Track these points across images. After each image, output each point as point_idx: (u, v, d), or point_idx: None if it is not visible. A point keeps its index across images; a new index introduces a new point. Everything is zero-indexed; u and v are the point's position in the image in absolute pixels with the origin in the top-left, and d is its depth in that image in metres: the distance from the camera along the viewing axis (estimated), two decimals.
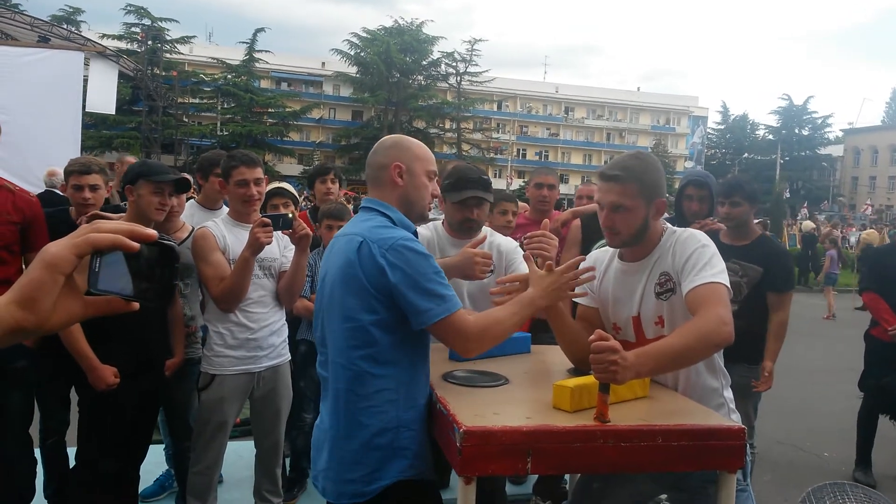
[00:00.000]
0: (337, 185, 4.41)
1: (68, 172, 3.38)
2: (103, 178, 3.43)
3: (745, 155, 62.36)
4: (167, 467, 3.86)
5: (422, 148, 2.11)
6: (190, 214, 3.73)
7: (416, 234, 2.03)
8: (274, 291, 3.20)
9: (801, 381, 7.28)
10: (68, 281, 0.87)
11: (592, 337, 1.72)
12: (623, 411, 1.80)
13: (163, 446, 3.89)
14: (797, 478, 4.67)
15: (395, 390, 1.90)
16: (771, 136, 60.90)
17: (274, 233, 3.01)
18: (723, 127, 64.40)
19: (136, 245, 0.87)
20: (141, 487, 3.66)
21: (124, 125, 38.80)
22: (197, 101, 44.80)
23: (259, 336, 3.13)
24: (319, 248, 3.97)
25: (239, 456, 4.20)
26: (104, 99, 18.13)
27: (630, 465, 1.73)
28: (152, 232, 0.88)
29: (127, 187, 2.93)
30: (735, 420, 2.19)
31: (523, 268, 2.68)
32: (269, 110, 45.71)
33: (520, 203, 4.38)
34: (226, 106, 45.23)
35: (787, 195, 43.81)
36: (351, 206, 5.44)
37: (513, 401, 1.90)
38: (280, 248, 3.26)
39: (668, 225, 2.22)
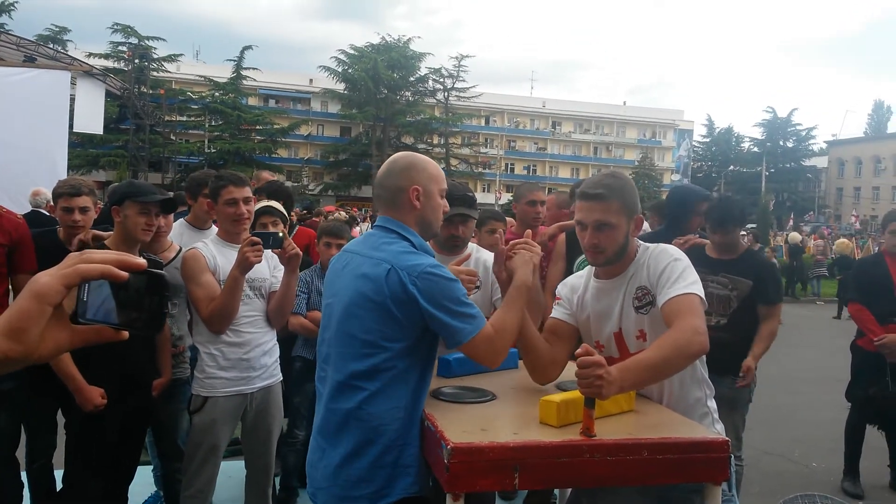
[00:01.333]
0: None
1: (58, 195, 3.39)
2: (92, 200, 3.44)
3: (731, 167, 62.96)
4: (155, 488, 3.84)
5: (435, 167, 2.13)
6: (179, 234, 3.75)
7: (432, 255, 2.06)
8: (264, 311, 3.20)
9: (788, 390, 7.35)
10: (56, 310, 0.88)
11: (579, 351, 1.74)
12: (609, 425, 1.82)
13: (150, 467, 3.87)
14: (785, 489, 4.68)
15: (403, 408, 1.92)
16: (756, 149, 61.54)
17: (264, 252, 3.03)
18: (708, 140, 65.05)
19: (125, 275, 0.88)
20: None
21: (111, 144, 38.71)
22: (184, 118, 44.76)
23: (251, 356, 3.13)
24: (316, 267, 3.99)
25: (228, 476, 4.17)
26: (91, 118, 18.07)
27: (617, 478, 1.75)
28: (141, 261, 0.90)
29: (113, 208, 2.94)
30: (719, 430, 2.23)
31: None
32: (257, 127, 45.76)
33: (507, 219, 4.42)
34: (213, 123, 45.22)
35: (773, 207, 44.19)
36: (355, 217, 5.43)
37: (500, 416, 1.93)
38: (270, 268, 3.26)
39: (641, 242, 2.26)
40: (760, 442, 5.61)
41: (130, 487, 3.20)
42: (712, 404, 2.25)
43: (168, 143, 40.74)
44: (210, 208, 3.29)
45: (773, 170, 58.64)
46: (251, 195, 3.23)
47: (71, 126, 15.70)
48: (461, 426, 1.79)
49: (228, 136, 43.91)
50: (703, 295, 2.05)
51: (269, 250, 3.09)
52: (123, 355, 2.91)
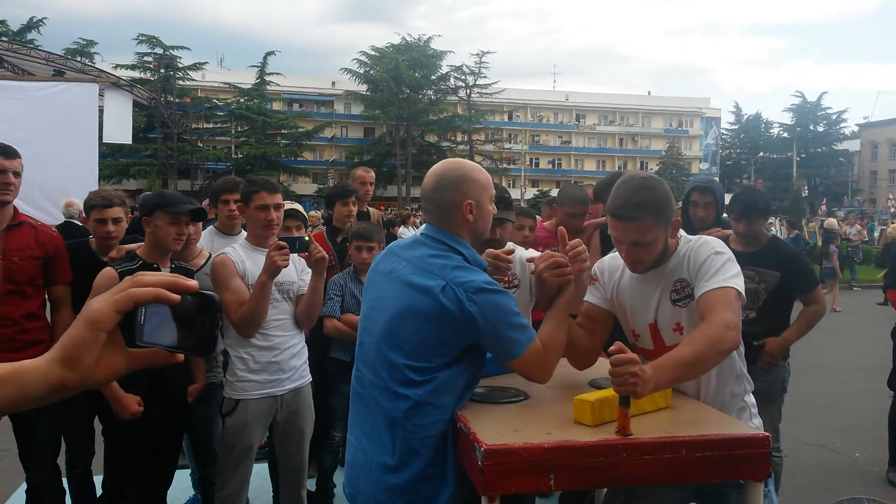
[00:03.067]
0: (356, 208, 4.43)
1: (90, 206, 3.43)
2: (124, 210, 3.48)
3: (761, 154, 61.96)
4: (194, 492, 3.88)
5: (484, 175, 2.06)
6: (210, 241, 3.78)
7: (484, 268, 2.04)
8: (293, 314, 3.22)
9: (829, 379, 7.19)
10: (111, 335, 0.88)
11: (612, 349, 1.71)
12: (645, 423, 1.79)
13: (189, 471, 3.92)
14: (828, 481, 4.60)
15: (448, 420, 1.91)
16: (786, 134, 60.49)
17: (291, 256, 3.04)
18: (736, 127, 64.09)
19: (177, 297, 0.88)
20: None
21: (140, 153, 39.34)
22: (211, 125, 45.36)
23: (281, 359, 3.15)
24: (350, 270, 3.99)
25: (263, 479, 4.20)
26: (120, 129, 18.37)
27: (654, 477, 1.71)
28: (193, 283, 0.90)
29: (144, 219, 2.96)
30: (756, 425, 2.18)
31: None
32: (282, 131, 46.21)
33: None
34: (239, 129, 45.77)
35: (806, 192, 43.39)
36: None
37: (533, 416, 1.90)
38: (297, 272, 3.28)
39: (683, 233, 2.21)
40: (801, 432, 5.50)
41: (170, 492, 3.25)
42: (750, 399, 2.20)
43: (196, 150, 41.29)
44: (241, 212, 3.30)
45: (803, 155, 57.56)
46: (282, 202, 3.25)
47: (100, 137, 16.01)
48: (494, 427, 1.77)
49: (254, 141, 44.40)
50: (742, 289, 2.00)
51: (296, 254, 3.10)
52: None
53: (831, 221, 20.12)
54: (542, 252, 3.99)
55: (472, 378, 1.99)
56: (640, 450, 1.68)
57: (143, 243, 3.06)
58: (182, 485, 3.82)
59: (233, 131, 45.69)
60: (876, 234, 23.25)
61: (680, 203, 4.25)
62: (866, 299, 14.23)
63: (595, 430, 1.76)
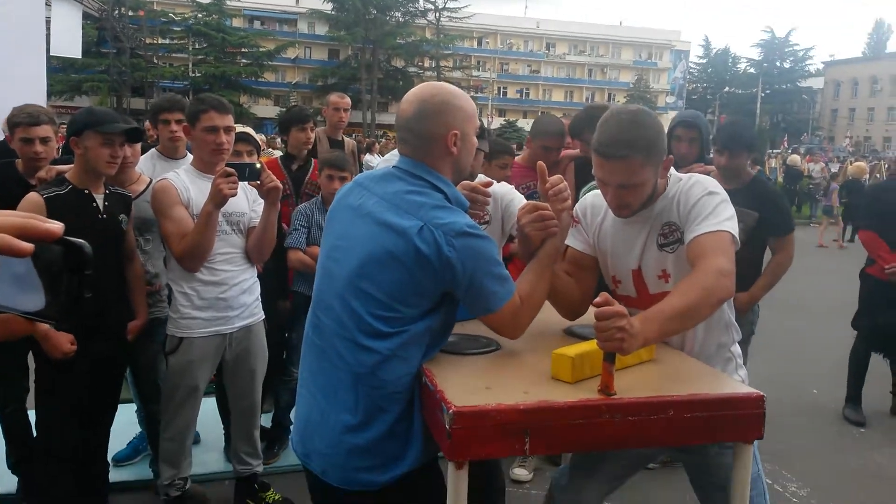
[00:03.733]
0: (314, 134, 4.12)
1: (14, 124, 3.04)
2: (54, 129, 3.12)
3: (727, 89, 61.93)
4: (141, 429, 3.68)
5: (469, 102, 1.82)
6: (150, 165, 3.46)
7: (466, 208, 1.81)
8: (243, 248, 2.97)
9: (788, 316, 7.20)
10: None
11: (598, 300, 1.52)
12: (629, 380, 1.61)
13: (135, 407, 3.71)
14: (783, 416, 4.61)
15: (415, 373, 1.71)
16: (752, 70, 60.44)
17: (241, 184, 2.77)
18: (705, 61, 63.75)
19: (27, 247, 0.66)
20: (114, 450, 3.52)
21: (93, 68, 37.52)
22: (167, 41, 43.34)
23: (229, 295, 2.92)
24: (317, 200, 3.73)
25: (217, 413, 4.02)
26: (69, 42, 17.25)
27: (638, 440, 1.56)
28: (54, 226, 0.68)
29: (72, 139, 2.65)
30: (742, 376, 2.05)
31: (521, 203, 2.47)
32: (243, 50, 44.38)
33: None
34: (197, 46, 43.85)
35: (767, 128, 43.66)
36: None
37: (506, 371, 1.71)
38: (249, 202, 3.02)
39: (673, 171, 2.00)
40: (761, 368, 5.47)
41: (117, 427, 3.06)
42: (737, 349, 2.06)
43: (151, 67, 39.49)
44: (186, 133, 2.99)
45: (768, 91, 57.74)
46: (233, 125, 2.95)
47: (48, 50, 15.01)
48: (463, 384, 1.58)
49: (213, 60, 42.60)
50: (736, 233, 1.82)
51: (246, 182, 2.83)
52: (94, 297, 2.68)
53: (794, 158, 20.30)
54: (519, 186, 3.76)
55: (445, 329, 1.78)
56: (624, 410, 1.51)
57: (73, 166, 2.74)
58: (130, 419, 3.62)
59: (190, 48, 43.70)
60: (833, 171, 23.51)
61: None
62: (826, 236, 14.45)
63: (575, 388, 1.58)
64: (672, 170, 1.99)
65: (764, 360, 5.56)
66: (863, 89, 61.45)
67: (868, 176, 16.07)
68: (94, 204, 2.68)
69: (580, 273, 2.12)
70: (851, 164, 16.19)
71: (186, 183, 2.86)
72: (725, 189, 3.40)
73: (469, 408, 1.45)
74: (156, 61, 40.55)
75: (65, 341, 2.59)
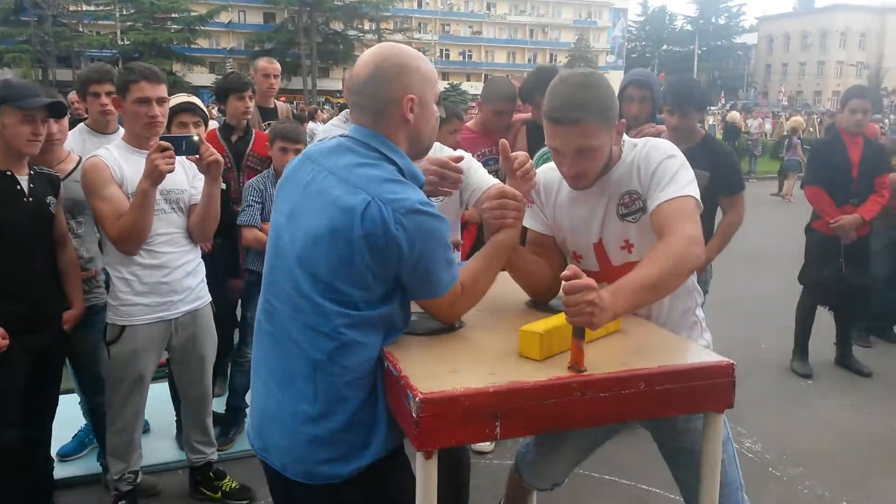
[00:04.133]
0: (253, 102, 3.91)
1: None
2: None
3: (664, 47, 62.69)
4: (86, 421, 3.51)
5: (428, 65, 1.68)
6: (80, 141, 3.24)
7: (422, 183, 1.69)
8: (184, 227, 2.81)
9: (732, 269, 7.34)
10: None
11: (566, 273, 1.45)
12: (597, 354, 1.56)
13: (79, 398, 3.53)
14: (738, 372, 4.68)
15: (377, 357, 1.60)
16: (689, 27, 61.30)
17: (178, 159, 2.60)
18: (643, 19, 64.31)
19: None
20: (58, 444, 3.36)
21: (13, 38, 35.53)
22: (92, 8, 41.24)
23: (172, 279, 2.76)
24: (269, 173, 3.56)
25: (166, 400, 3.88)
26: None
27: (610, 416, 1.51)
28: None
29: None
30: (707, 340, 2.04)
31: (478, 176, 2.38)
32: (173, 15, 42.54)
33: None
34: (125, 13, 41.88)
35: (705, 85, 44.40)
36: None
37: (471, 351, 1.64)
38: (188, 178, 2.85)
39: (626, 137, 1.94)
40: (707, 323, 5.60)
41: (61, 419, 2.90)
42: (700, 313, 2.04)
43: (76, 35, 37.59)
44: (117, 105, 2.78)
45: (704, 48, 58.66)
46: (166, 95, 2.76)
47: None
48: (427, 368, 1.50)
49: (142, 27, 40.79)
50: (698, 197, 1.78)
51: (184, 156, 2.66)
52: (23, 287, 2.51)
53: (734, 115, 20.69)
54: (475, 153, 3.65)
55: (405, 311, 1.68)
56: (596, 387, 1.46)
57: None
58: (75, 411, 3.45)
59: (117, 15, 41.69)
60: (767, 127, 24.09)
61: None
62: (762, 190, 14.83)
63: (544, 366, 1.52)
64: (625, 136, 1.93)
65: (709, 315, 5.67)
66: (794, 44, 63.02)
67: (803, 131, 16.53)
68: (18, 187, 2.49)
69: (547, 253, 2.05)
70: (787, 119, 16.61)
71: (119, 160, 2.67)
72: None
73: (436, 394, 1.37)
74: (81, 29, 38.61)
75: None
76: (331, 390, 1.57)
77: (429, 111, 1.68)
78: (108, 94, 3.11)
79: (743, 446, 3.66)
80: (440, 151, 2.61)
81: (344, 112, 3.74)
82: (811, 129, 21.19)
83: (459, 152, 2.63)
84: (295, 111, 15.30)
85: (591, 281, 1.45)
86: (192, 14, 43.02)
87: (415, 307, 1.76)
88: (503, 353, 1.60)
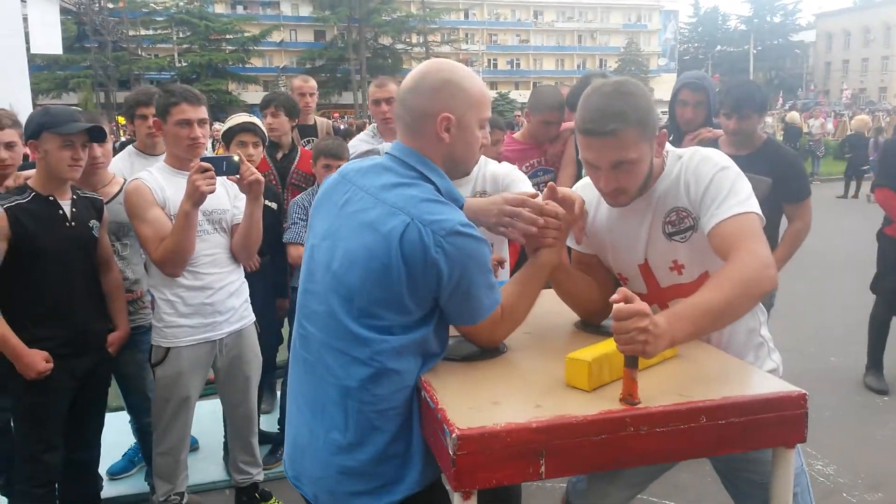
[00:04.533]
0: (282, 116, 3.86)
1: None
2: (19, 133, 2.92)
3: (718, 48, 61.36)
4: (135, 439, 3.52)
5: (477, 88, 1.59)
6: (129, 163, 3.27)
7: (462, 205, 1.61)
8: (227, 248, 2.79)
9: (796, 277, 7.02)
10: None
11: (615, 297, 1.34)
12: (652, 384, 1.44)
13: (129, 417, 3.55)
14: (807, 388, 4.41)
15: (413, 386, 1.53)
16: (743, 27, 59.85)
17: (219, 179, 2.58)
18: (694, 20, 63.09)
19: None
20: (108, 462, 3.38)
21: (78, 64, 37.03)
22: (150, 32, 42.72)
23: (215, 300, 2.73)
24: (314, 189, 3.53)
25: (216, 417, 3.86)
26: (49, 38, 16.91)
27: (667, 453, 1.38)
28: None
29: (30, 142, 2.45)
30: (776, 361, 1.87)
31: (522, 189, 2.27)
32: (227, 37, 43.80)
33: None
34: (181, 35, 43.29)
35: (762, 86, 43.22)
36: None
37: (515, 379, 1.53)
38: (230, 198, 2.83)
39: (670, 148, 1.80)
40: (773, 335, 5.32)
41: (111, 437, 2.90)
42: (766, 333, 1.88)
43: (135, 59, 38.94)
44: (157, 128, 2.78)
45: (760, 48, 57.16)
46: (206, 117, 2.75)
47: (29, 49, 14.66)
48: (467, 399, 1.40)
49: (198, 48, 42.09)
50: (760, 212, 1.63)
51: (226, 177, 2.64)
52: (67, 311, 2.51)
53: (793, 116, 20.00)
54: (522, 167, 3.53)
55: (442, 337, 1.60)
56: (651, 421, 1.34)
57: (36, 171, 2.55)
58: (125, 429, 3.46)
59: (174, 38, 43.13)
60: (829, 127, 23.21)
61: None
62: (827, 192, 14.24)
63: (593, 397, 1.40)
64: (668, 145, 1.79)
65: (776, 328, 5.40)
66: (855, 40, 60.79)
67: (868, 130, 15.85)
68: (61, 211, 2.49)
69: (594, 271, 1.93)
70: (850, 118, 15.96)
71: (161, 182, 2.66)
72: (737, 156, 3.22)
73: (475, 430, 1.27)
74: (140, 53, 39.98)
75: (39, 360, 2.41)
76: (362, 419, 1.50)
77: (469, 134, 1.58)
78: (155, 116, 3.12)
79: (813, 469, 3.44)
80: (485, 164, 2.52)
81: (371, 127, 3.70)
82: (880, 127, 20.31)
83: (504, 164, 2.54)
84: (344, 125, 15.42)
85: (644, 306, 1.33)
86: (246, 35, 44.17)
87: (453, 331, 1.67)
88: (550, 382, 1.49)
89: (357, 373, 1.49)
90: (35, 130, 2.41)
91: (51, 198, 2.47)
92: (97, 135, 2.49)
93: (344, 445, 1.52)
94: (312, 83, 4.59)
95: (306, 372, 1.62)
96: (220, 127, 4.59)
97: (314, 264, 1.62)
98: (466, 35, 57.28)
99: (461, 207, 1.58)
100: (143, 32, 41.71)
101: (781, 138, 18.99)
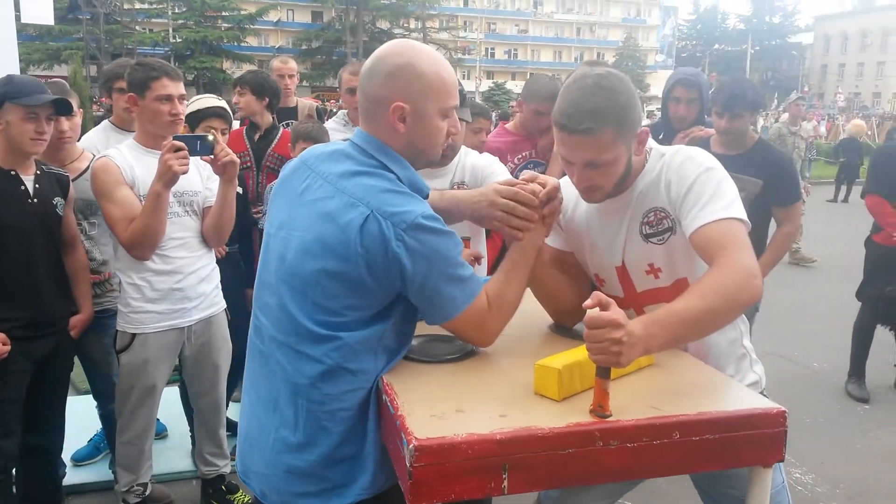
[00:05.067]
0: (248, 94, 3.68)
1: None
2: None
3: (716, 46, 61.29)
4: (101, 425, 3.43)
5: (438, 75, 1.47)
6: (104, 138, 3.16)
7: (426, 196, 1.52)
8: (198, 231, 2.69)
9: (782, 281, 7.00)
10: None
11: (589, 302, 1.26)
12: (625, 395, 1.36)
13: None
14: (786, 393, 4.40)
15: (369, 388, 1.45)
16: (742, 26, 59.76)
17: (192, 160, 2.47)
18: (694, 17, 62.97)
19: None
20: (73, 448, 3.29)
21: (71, 36, 36.48)
22: (145, 6, 42.12)
23: (185, 285, 2.64)
24: None
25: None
26: (40, 8, 16.65)
27: (639, 470, 1.31)
28: None
29: None
30: (758, 373, 1.80)
31: (504, 177, 2.19)
32: (223, 14, 43.23)
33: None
34: (176, 11, 42.71)
35: (757, 86, 43.23)
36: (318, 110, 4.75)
37: (481, 385, 1.45)
38: (202, 179, 2.73)
39: (653, 144, 1.71)
40: (756, 339, 5.29)
41: (77, 422, 2.81)
42: (748, 343, 1.81)
43: (128, 33, 38.42)
44: (133, 104, 2.66)
45: (757, 48, 57.11)
46: (185, 93, 2.65)
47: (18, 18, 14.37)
48: (429, 404, 1.33)
49: (193, 24, 41.51)
50: (745, 217, 1.54)
51: (198, 157, 2.54)
52: (27, 292, 2.41)
53: (787, 117, 19.93)
54: (513, 160, 3.43)
55: (403, 335, 1.52)
56: (622, 436, 1.26)
57: None
58: (92, 413, 3.36)
59: (170, 13, 42.56)
60: (822, 131, 23.20)
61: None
62: (817, 196, 14.22)
63: (562, 408, 1.33)
64: (652, 142, 1.70)
65: (760, 332, 5.37)
66: (853, 44, 60.88)
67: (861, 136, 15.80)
68: (23, 187, 2.38)
69: (571, 269, 1.85)
70: (844, 122, 15.92)
71: (130, 160, 2.56)
72: (727, 155, 3.17)
73: (434, 441, 1.19)
74: (137, 28, 39.47)
75: None
76: (312, 418, 1.43)
77: (427, 124, 1.48)
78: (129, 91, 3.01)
79: (791, 477, 3.39)
80: (465, 155, 2.44)
81: (342, 112, 3.58)
82: (869, 132, 20.35)
83: (485, 155, 2.46)
84: (336, 108, 15.19)
85: (619, 315, 1.25)
86: (242, 12, 43.63)
87: (420, 330, 1.60)
88: (518, 389, 1.41)
89: (307, 370, 1.42)
90: None
91: (12, 172, 2.36)
92: (63, 107, 2.39)
93: (293, 444, 1.45)
94: (292, 64, 4.47)
95: (261, 364, 1.55)
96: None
97: (269, 254, 1.55)
98: (465, 22, 56.94)
99: (426, 198, 1.50)
100: (137, 6, 41.12)
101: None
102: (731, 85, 3.24)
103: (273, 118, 3.78)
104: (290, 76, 4.37)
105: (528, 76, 4.30)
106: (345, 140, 1.56)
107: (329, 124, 3.02)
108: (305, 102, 4.63)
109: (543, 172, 3.43)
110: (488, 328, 1.54)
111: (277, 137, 3.71)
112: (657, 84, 44.56)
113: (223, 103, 3.29)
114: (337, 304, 1.39)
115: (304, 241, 1.43)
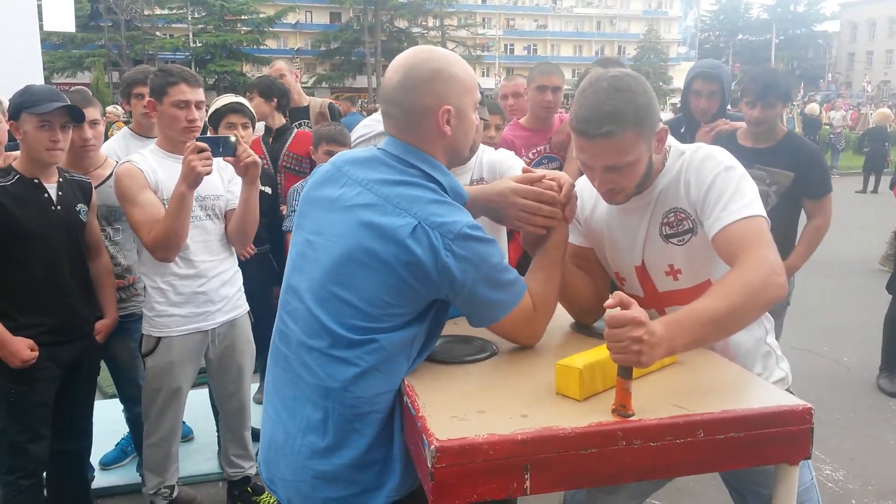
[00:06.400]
0: (256, 98, 3.73)
1: None
2: (2, 111, 2.85)
3: (739, 36, 60.46)
4: (129, 428, 3.47)
5: (467, 71, 1.52)
6: (124, 145, 3.20)
7: (465, 201, 1.54)
8: (221, 234, 2.71)
9: (811, 273, 6.86)
10: None
11: (610, 301, 1.25)
12: (647, 393, 1.35)
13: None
14: (816, 389, 4.34)
15: (396, 390, 1.46)
16: (765, 15, 58.85)
17: (214, 161, 2.49)
18: (716, 7, 62.11)
19: None
20: (101, 452, 3.33)
21: (94, 43, 37.02)
22: (165, 12, 42.59)
23: (208, 288, 2.67)
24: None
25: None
26: (61, 16, 16.89)
27: (662, 469, 1.30)
28: None
29: (11, 123, 2.37)
30: (784, 369, 1.77)
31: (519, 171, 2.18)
32: (242, 17, 43.53)
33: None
34: (196, 16, 43.11)
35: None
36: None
37: (503, 386, 1.45)
38: (224, 182, 2.75)
39: (672, 142, 1.69)
40: (787, 335, 5.21)
41: (105, 426, 2.81)
42: (773, 341, 1.78)
43: (149, 38, 38.88)
44: (151, 109, 2.69)
45: (782, 37, 56.24)
46: (204, 99, 2.68)
47: (42, 27, 14.59)
48: (450, 406, 1.32)
49: (213, 29, 41.88)
50: (766, 214, 1.52)
51: (221, 159, 2.56)
52: (53, 298, 2.45)
53: (813, 107, 19.65)
54: (526, 155, 3.41)
55: (432, 336, 1.53)
56: (645, 435, 1.25)
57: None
58: (119, 417, 3.40)
59: (189, 18, 42.98)
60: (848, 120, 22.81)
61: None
62: (846, 187, 13.97)
63: (584, 408, 1.32)
64: (671, 140, 1.68)
65: (788, 326, 5.29)
66: (881, 30, 59.71)
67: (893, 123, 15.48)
68: (46, 195, 2.42)
69: (590, 267, 1.84)
70: (871, 110, 15.59)
71: (153, 165, 2.59)
72: (756, 148, 3.12)
73: (455, 441, 1.19)
74: (155, 33, 39.91)
75: (23, 348, 2.35)
76: (343, 422, 1.43)
77: (467, 122, 1.51)
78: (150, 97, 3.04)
79: (822, 474, 3.34)
80: (482, 152, 2.42)
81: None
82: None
83: (501, 151, 2.44)
84: (357, 109, 15.26)
85: (640, 313, 1.24)
86: (261, 16, 43.92)
87: (447, 329, 1.59)
88: (540, 389, 1.40)
89: (339, 373, 1.42)
90: (15, 111, 2.34)
91: (35, 180, 2.40)
92: (76, 115, 2.41)
93: (321, 449, 1.44)
94: (280, 64, 4.52)
95: (285, 370, 1.55)
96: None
97: (303, 262, 1.55)
98: (483, 19, 56.76)
99: (464, 203, 1.51)
100: (157, 12, 41.60)
101: (800, 130, 18.71)
102: (762, 74, 3.18)
103: (286, 119, 3.81)
104: (282, 76, 4.38)
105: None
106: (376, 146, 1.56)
107: (374, 117, 3.04)
108: (317, 100, 4.65)
109: (559, 169, 3.42)
110: (535, 327, 1.57)
111: (291, 137, 3.74)
112: (680, 76, 44.12)
113: (241, 99, 3.33)
114: (376, 308, 1.40)
115: (347, 248, 1.43)
